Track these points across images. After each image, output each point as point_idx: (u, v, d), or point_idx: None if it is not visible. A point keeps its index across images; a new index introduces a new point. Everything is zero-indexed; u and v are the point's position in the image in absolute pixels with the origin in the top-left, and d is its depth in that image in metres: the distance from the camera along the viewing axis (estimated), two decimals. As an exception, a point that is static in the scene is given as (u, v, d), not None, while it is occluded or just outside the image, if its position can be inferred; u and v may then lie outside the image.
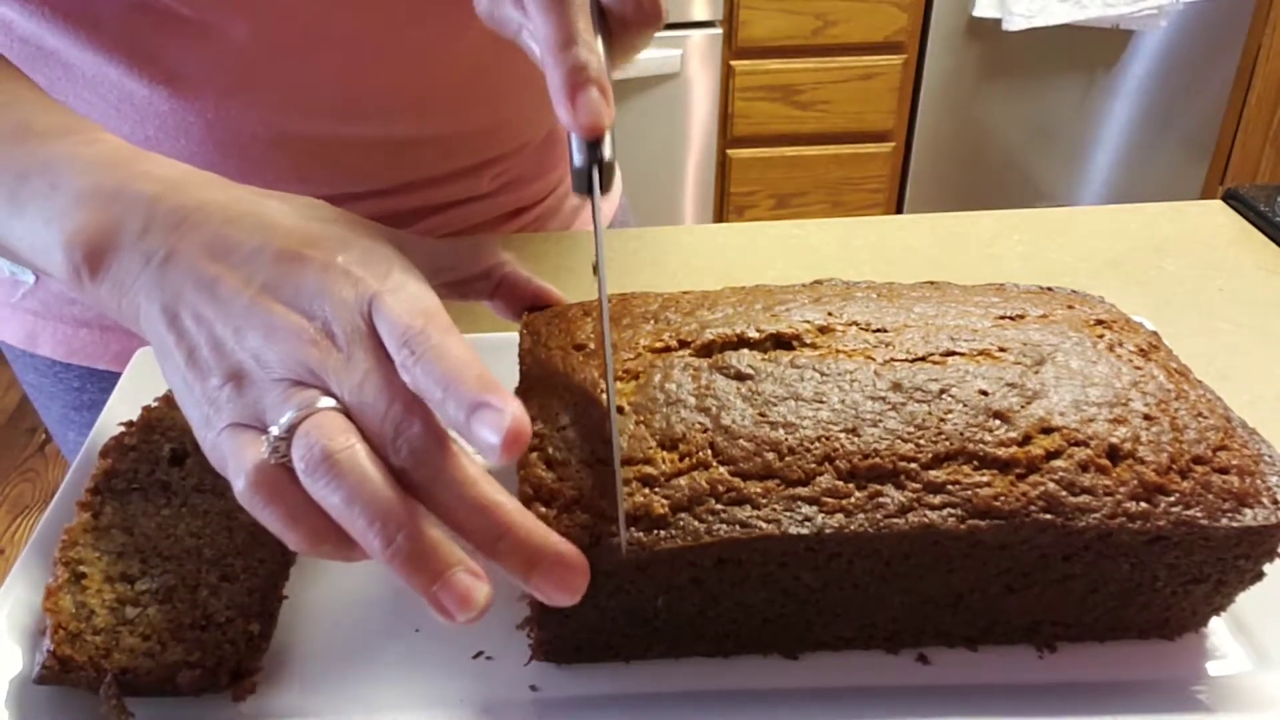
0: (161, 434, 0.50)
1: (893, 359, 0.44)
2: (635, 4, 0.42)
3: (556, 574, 0.35)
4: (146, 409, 0.51)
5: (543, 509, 0.39)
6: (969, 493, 0.40)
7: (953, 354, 0.44)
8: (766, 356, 0.44)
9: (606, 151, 0.40)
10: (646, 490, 0.40)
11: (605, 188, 0.41)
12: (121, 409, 0.53)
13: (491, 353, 0.53)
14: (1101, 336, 0.46)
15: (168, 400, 0.52)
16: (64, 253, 0.40)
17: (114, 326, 0.71)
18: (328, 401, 0.36)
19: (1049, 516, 0.40)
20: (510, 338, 0.49)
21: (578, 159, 0.40)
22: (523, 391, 0.44)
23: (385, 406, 0.36)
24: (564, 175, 0.80)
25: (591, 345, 0.46)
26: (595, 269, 0.43)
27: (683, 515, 0.39)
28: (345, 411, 0.36)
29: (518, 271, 0.50)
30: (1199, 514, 0.40)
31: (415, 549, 0.34)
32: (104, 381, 0.71)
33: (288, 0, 0.58)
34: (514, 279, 0.50)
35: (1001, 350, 0.45)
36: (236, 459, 0.36)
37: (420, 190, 0.72)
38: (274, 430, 0.35)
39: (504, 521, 0.35)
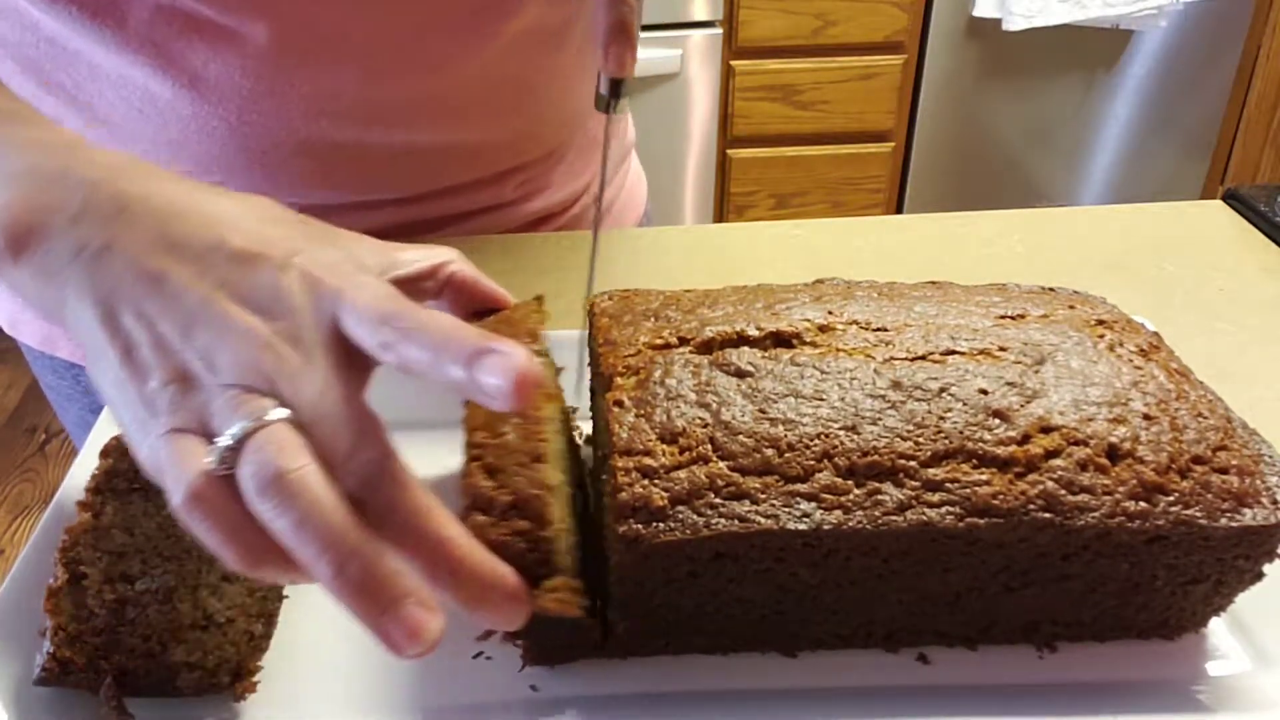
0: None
1: (892, 358, 0.44)
2: None
3: (503, 608, 0.34)
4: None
5: (481, 517, 0.38)
6: (968, 491, 0.40)
7: (953, 353, 0.44)
8: (767, 354, 0.44)
9: (624, 87, 0.51)
10: (645, 482, 0.40)
11: (615, 109, 0.51)
12: (121, 409, 0.53)
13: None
14: (1102, 336, 0.46)
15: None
16: None
17: None
18: (280, 412, 0.34)
19: (1047, 515, 0.40)
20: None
21: (603, 88, 0.51)
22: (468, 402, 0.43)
23: (342, 423, 0.34)
24: (589, 184, 0.80)
25: (538, 345, 0.44)
26: (598, 199, 0.50)
27: (681, 508, 0.39)
28: (298, 423, 0.34)
29: (465, 272, 0.48)
30: (1198, 514, 0.40)
31: (366, 579, 0.32)
32: None
33: (310, 6, 0.59)
34: (462, 279, 0.47)
35: (1001, 349, 0.45)
36: (177, 467, 0.34)
37: (443, 198, 0.72)
38: (222, 441, 0.33)
39: (454, 555, 0.34)
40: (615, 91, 0.52)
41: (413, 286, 0.46)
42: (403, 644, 0.32)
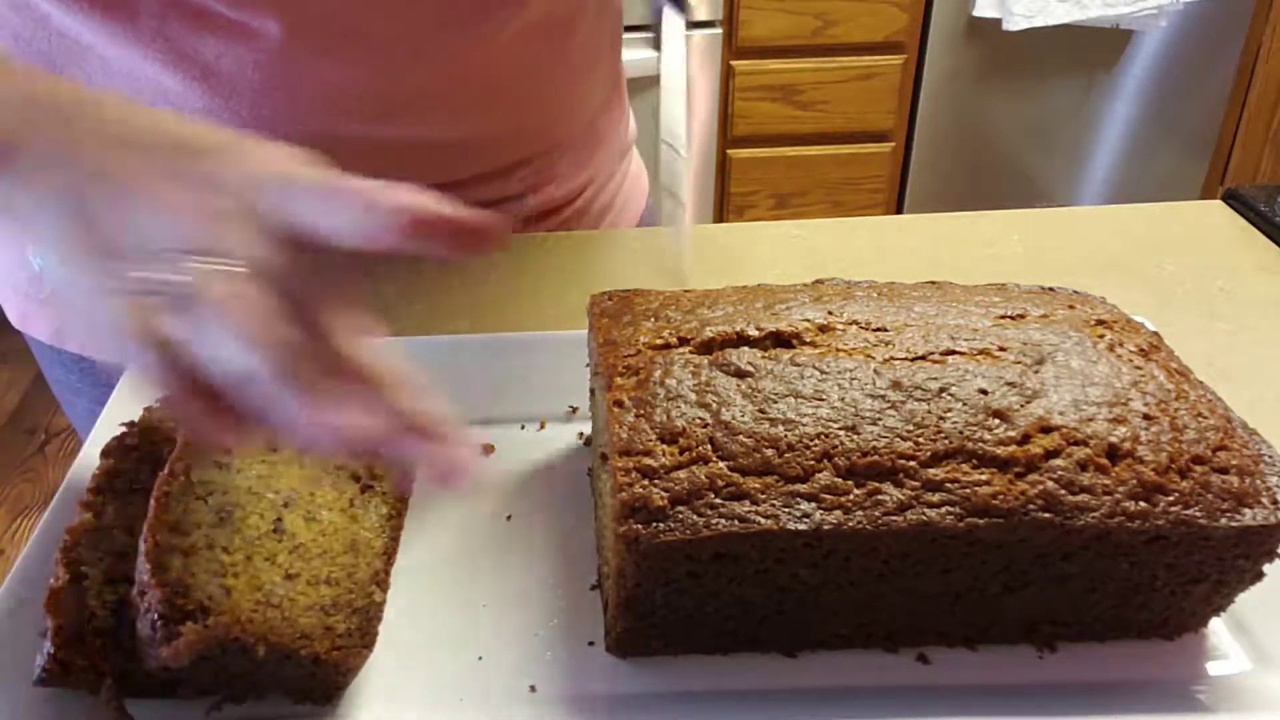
0: (163, 435, 0.50)
1: (892, 358, 0.44)
2: None
3: (452, 455, 0.36)
4: (148, 409, 0.51)
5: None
6: (967, 491, 0.40)
7: (953, 353, 0.44)
8: (767, 354, 0.44)
9: None
10: (645, 482, 0.40)
11: (686, 10, 0.45)
12: (122, 409, 0.53)
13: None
14: (1102, 336, 0.46)
15: (168, 401, 0.52)
16: None
17: None
18: (232, 263, 0.37)
19: (1047, 515, 0.40)
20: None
21: None
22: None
23: (289, 282, 0.37)
24: (593, 177, 0.80)
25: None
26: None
27: (681, 509, 0.39)
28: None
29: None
30: (1198, 513, 0.40)
31: (287, 369, 0.35)
32: None
33: (322, 2, 0.59)
34: None
35: (1001, 349, 0.45)
36: (128, 321, 0.36)
37: (449, 191, 0.72)
38: (175, 281, 0.36)
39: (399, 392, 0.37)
40: None
41: None
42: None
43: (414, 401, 0.37)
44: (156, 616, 0.38)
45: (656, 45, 0.45)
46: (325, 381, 0.35)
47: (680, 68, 0.44)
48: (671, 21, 0.44)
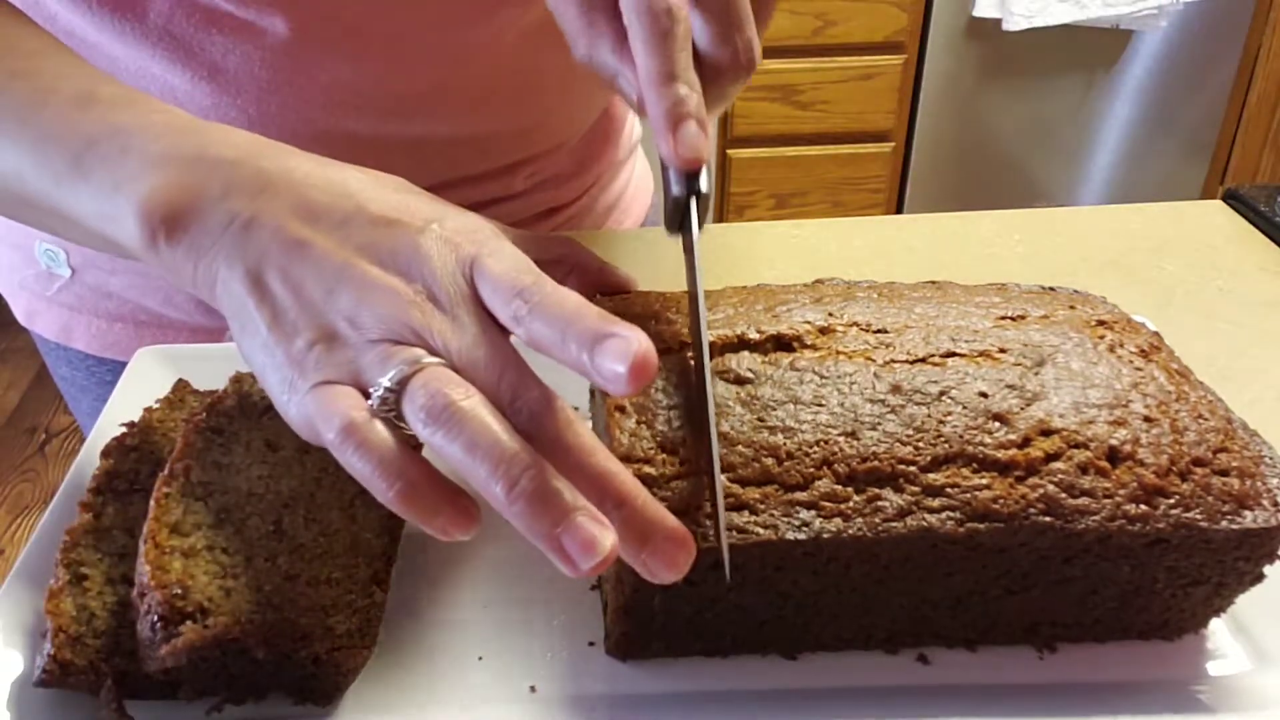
0: (163, 435, 0.50)
1: (892, 360, 0.44)
2: (732, 53, 0.43)
3: (667, 549, 0.34)
4: (148, 410, 0.51)
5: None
6: (968, 496, 0.40)
7: (953, 355, 0.44)
8: (766, 359, 0.44)
9: (703, 184, 0.42)
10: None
11: (701, 219, 0.43)
12: (122, 409, 0.53)
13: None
14: (1103, 337, 0.46)
15: (168, 402, 0.52)
16: (139, 215, 0.39)
17: (149, 322, 0.71)
18: (436, 359, 0.35)
19: (1048, 519, 0.40)
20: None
21: (675, 189, 0.42)
22: None
23: (500, 370, 0.35)
24: (599, 175, 0.80)
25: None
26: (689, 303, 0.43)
27: (680, 519, 0.39)
28: (455, 368, 0.36)
29: (586, 258, 0.50)
30: (1199, 516, 0.40)
31: (539, 491, 0.33)
32: None
33: (329, 0, 0.59)
34: (583, 265, 0.50)
35: (1002, 351, 0.45)
36: (328, 409, 0.35)
37: (454, 189, 0.72)
38: (384, 381, 0.35)
39: (621, 491, 0.34)
40: (692, 189, 0.41)
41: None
42: (577, 557, 0.33)
43: (647, 503, 0.35)
44: (156, 618, 0.38)
45: (678, 228, 0.43)
46: (558, 487, 0.33)
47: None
48: (694, 213, 0.42)
